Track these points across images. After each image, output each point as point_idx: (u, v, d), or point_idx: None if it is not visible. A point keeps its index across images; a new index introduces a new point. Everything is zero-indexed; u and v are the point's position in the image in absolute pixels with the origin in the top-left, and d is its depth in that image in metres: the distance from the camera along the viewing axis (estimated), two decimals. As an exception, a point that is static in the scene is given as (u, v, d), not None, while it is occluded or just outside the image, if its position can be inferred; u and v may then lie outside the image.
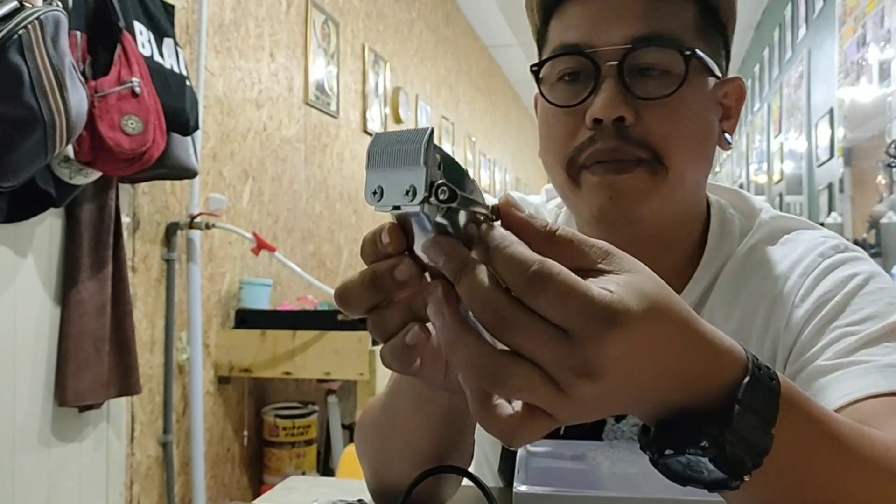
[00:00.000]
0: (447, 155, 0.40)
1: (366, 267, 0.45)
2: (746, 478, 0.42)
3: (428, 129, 0.39)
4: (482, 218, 0.41)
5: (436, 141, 0.39)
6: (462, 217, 0.40)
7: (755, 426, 0.42)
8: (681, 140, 0.70)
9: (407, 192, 0.39)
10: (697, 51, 0.70)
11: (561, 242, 0.41)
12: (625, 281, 0.39)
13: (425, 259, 0.42)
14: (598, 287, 0.38)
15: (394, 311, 0.46)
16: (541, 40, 0.78)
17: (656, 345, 0.39)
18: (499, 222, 0.42)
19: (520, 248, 0.39)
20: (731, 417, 0.41)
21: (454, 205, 0.39)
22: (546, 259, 0.38)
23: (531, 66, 0.76)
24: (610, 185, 0.70)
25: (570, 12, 0.73)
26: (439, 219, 0.40)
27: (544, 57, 0.74)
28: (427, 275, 0.44)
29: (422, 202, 0.38)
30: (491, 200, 0.43)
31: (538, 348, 0.38)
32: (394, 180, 0.40)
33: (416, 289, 0.45)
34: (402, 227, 0.43)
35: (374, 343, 2.42)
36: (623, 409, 0.43)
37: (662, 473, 0.44)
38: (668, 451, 0.43)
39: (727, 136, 0.78)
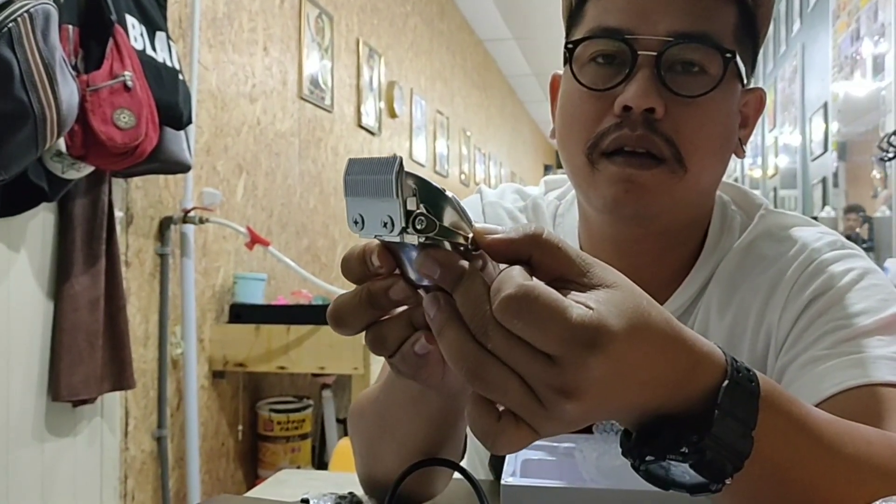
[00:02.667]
0: (421, 180, 0.40)
1: (352, 284, 0.45)
2: (728, 481, 0.43)
3: (396, 158, 0.39)
4: (462, 243, 0.41)
5: (408, 167, 0.40)
6: (444, 242, 0.41)
7: (735, 430, 0.42)
8: (704, 142, 0.70)
9: (385, 224, 0.40)
10: (736, 54, 0.70)
11: (548, 246, 0.41)
12: (605, 298, 0.39)
13: (414, 278, 0.43)
14: (577, 306, 0.38)
15: (394, 326, 0.46)
16: (573, 19, 0.76)
17: (637, 361, 0.40)
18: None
19: (506, 273, 0.39)
20: (711, 423, 0.41)
21: (432, 234, 0.39)
22: (522, 283, 0.38)
23: (566, 44, 0.74)
24: (628, 177, 0.70)
25: None
26: (422, 240, 0.40)
27: (577, 37, 0.73)
28: (420, 291, 0.44)
29: (400, 233, 0.39)
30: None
31: (519, 365, 0.39)
32: (372, 210, 0.40)
33: (412, 304, 0.45)
34: (388, 248, 0.43)
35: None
36: (606, 419, 0.43)
37: (644, 478, 0.45)
38: (648, 458, 0.43)
39: (742, 144, 0.78)
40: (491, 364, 0.39)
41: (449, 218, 0.40)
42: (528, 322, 0.37)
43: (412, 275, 0.43)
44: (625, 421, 0.45)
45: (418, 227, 0.39)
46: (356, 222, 0.41)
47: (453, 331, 0.40)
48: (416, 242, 0.40)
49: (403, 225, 0.39)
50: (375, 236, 0.41)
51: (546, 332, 0.37)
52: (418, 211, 0.39)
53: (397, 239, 0.40)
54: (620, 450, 0.46)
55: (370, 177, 0.40)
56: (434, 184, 0.40)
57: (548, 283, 0.41)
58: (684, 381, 0.42)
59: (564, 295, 0.39)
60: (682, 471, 0.43)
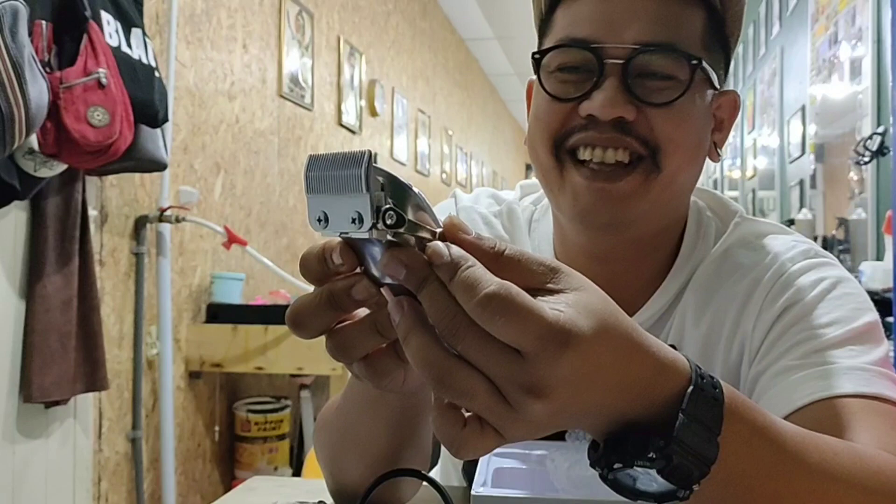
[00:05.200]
0: (389, 174, 0.39)
1: (312, 285, 0.44)
2: (695, 487, 0.43)
3: (366, 152, 0.38)
4: (429, 238, 0.40)
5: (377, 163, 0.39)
6: (411, 238, 0.40)
7: (700, 435, 0.42)
8: (680, 143, 0.70)
9: (353, 220, 0.39)
10: (703, 61, 0.70)
11: (509, 262, 0.41)
12: (574, 300, 0.40)
13: (378, 275, 0.42)
14: (550, 308, 0.39)
15: (357, 333, 0.45)
16: (543, 27, 0.76)
17: (604, 362, 0.40)
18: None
19: (477, 271, 0.39)
20: (676, 428, 0.41)
21: (402, 229, 0.39)
22: (502, 282, 0.38)
23: (533, 53, 0.74)
24: (598, 190, 0.69)
25: (579, 5, 0.71)
26: (390, 237, 0.39)
27: (547, 46, 0.73)
28: (383, 290, 0.43)
29: (370, 229, 0.38)
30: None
31: (490, 365, 0.39)
32: (338, 206, 0.39)
33: (373, 308, 0.44)
34: (351, 246, 0.42)
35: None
36: (571, 425, 0.43)
37: (612, 488, 0.45)
38: (616, 465, 0.43)
39: (717, 148, 0.78)
40: (458, 368, 0.39)
41: (414, 213, 0.40)
42: (509, 318, 0.37)
43: (375, 272, 0.42)
44: (590, 428, 0.44)
45: (388, 222, 0.38)
46: (319, 220, 0.40)
47: (419, 337, 0.40)
48: (385, 238, 0.39)
49: (374, 220, 0.38)
50: (340, 234, 0.40)
51: (525, 328, 0.37)
52: (387, 206, 0.38)
53: (366, 235, 0.39)
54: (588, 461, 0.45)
55: (336, 172, 0.39)
56: (401, 179, 0.40)
57: None
58: (648, 388, 0.42)
59: (547, 299, 0.40)
60: (650, 479, 0.43)
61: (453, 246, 0.40)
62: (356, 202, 0.38)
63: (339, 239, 0.42)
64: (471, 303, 0.38)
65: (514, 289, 0.38)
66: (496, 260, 0.40)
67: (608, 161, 0.69)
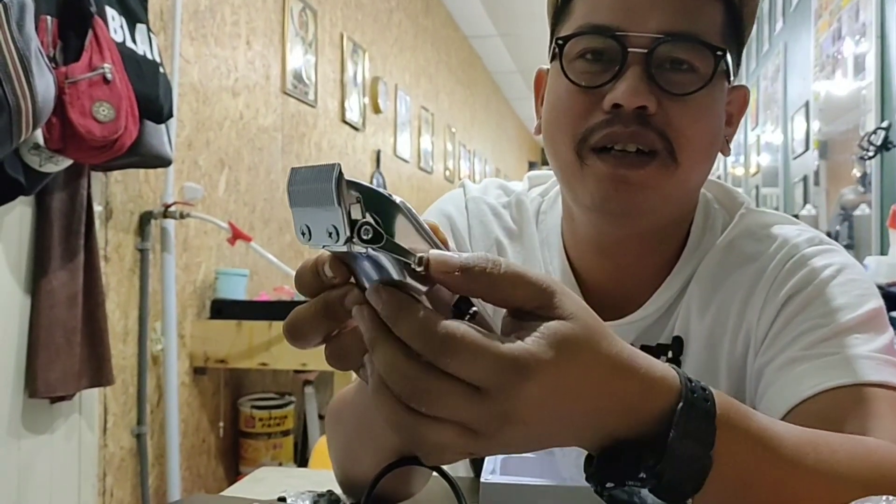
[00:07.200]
0: (366, 187, 0.39)
1: (307, 298, 0.45)
2: (689, 501, 0.43)
3: (335, 165, 0.38)
4: (406, 261, 0.40)
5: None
6: (391, 255, 0.40)
7: (693, 451, 0.43)
8: (696, 137, 0.70)
9: (330, 234, 0.39)
10: (727, 52, 0.70)
11: (511, 279, 0.41)
12: (548, 330, 0.40)
13: (368, 286, 0.42)
14: (506, 339, 0.39)
15: (353, 340, 0.45)
16: (559, 15, 0.75)
17: (578, 386, 0.40)
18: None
19: (425, 316, 0.39)
20: (669, 445, 0.42)
21: (381, 245, 0.39)
22: (449, 322, 0.39)
23: (557, 39, 0.73)
24: (621, 178, 0.69)
25: None
26: (371, 251, 0.39)
27: (565, 33, 0.72)
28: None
29: (346, 242, 0.38)
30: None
31: (454, 411, 0.39)
32: (317, 220, 0.39)
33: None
34: (340, 259, 0.42)
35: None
36: (560, 442, 0.44)
37: (608, 502, 0.45)
38: (609, 485, 0.44)
39: (727, 143, 0.78)
40: (426, 425, 0.40)
41: (400, 225, 0.39)
42: (461, 358, 0.38)
43: (366, 283, 0.42)
44: (585, 445, 0.45)
45: (364, 237, 0.38)
46: (303, 233, 0.40)
47: (384, 404, 0.40)
48: (363, 251, 0.39)
49: (348, 234, 0.38)
50: (323, 247, 0.40)
51: (477, 366, 0.38)
52: (364, 220, 0.38)
53: (344, 248, 0.39)
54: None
55: (312, 186, 0.39)
56: (381, 191, 0.39)
57: (511, 313, 0.42)
58: (639, 406, 0.43)
59: (524, 325, 0.40)
60: (644, 494, 0.43)
61: (395, 292, 0.40)
62: (330, 216, 0.38)
63: (329, 252, 0.42)
64: (424, 349, 0.38)
65: (460, 329, 0.39)
66: (495, 273, 0.40)
67: (629, 150, 0.69)
